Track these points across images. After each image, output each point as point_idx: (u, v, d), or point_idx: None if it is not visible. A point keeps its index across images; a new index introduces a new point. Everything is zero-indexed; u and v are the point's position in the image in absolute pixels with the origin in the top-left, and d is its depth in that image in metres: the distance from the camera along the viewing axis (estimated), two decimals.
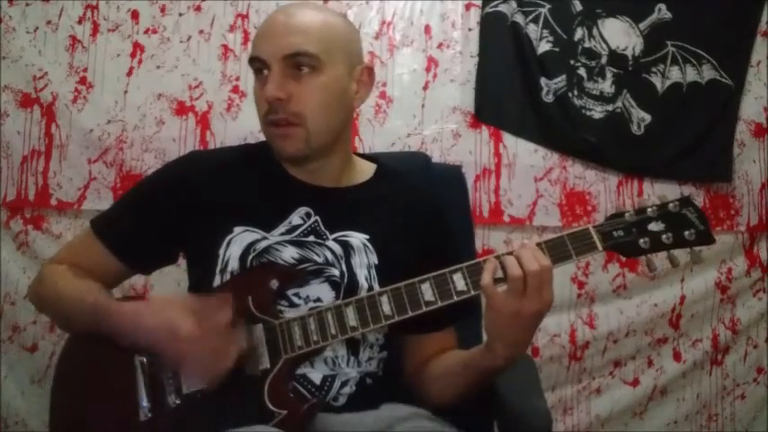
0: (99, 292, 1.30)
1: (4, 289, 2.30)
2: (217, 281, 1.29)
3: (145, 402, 1.23)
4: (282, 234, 1.30)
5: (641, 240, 1.17)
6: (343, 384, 1.27)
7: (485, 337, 1.49)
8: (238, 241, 1.29)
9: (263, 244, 1.29)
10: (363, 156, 1.49)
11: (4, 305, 2.31)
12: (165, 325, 1.18)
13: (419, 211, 1.41)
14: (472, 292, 1.17)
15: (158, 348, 1.20)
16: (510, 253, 1.15)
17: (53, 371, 1.39)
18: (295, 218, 1.31)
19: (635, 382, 2.49)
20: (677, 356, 2.50)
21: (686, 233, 1.16)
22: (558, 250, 1.16)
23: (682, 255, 1.19)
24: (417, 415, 1.25)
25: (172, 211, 1.35)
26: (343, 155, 1.39)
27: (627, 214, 1.18)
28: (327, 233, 1.31)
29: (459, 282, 1.17)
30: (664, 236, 1.16)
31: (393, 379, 1.37)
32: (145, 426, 1.22)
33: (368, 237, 1.32)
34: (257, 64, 1.30)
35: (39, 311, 1.48)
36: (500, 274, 1.15)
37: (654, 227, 1.17)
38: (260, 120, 1.32)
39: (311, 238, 1.31)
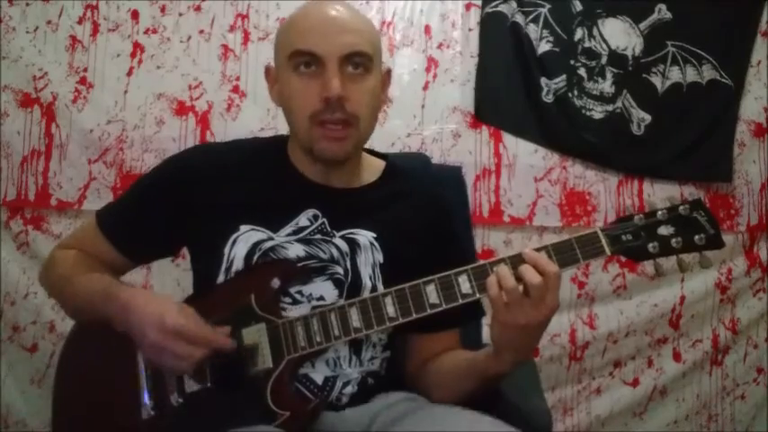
0: (110, 278, 1.32)
1: (4, 289, 2.30)
2: (221, 279, 1.28)
3: (147, 401, 1.23)
4: (289, 235, 1.29)
5: (650, 245, 1.14)
6: (345, 384, 1.27)
7: (485, 338, 1.49)
8: (244, 240, 1.28)
9: (269, 244, 1.28)
10: (372, 152, 1.47)
11: (4, 305, 2.31)
12: (158, 311, 1.17)
13: (427, 211, 1.40)
14: (477, 295, 1.16)
15: (138, 329, 1.18)
16: (503, 260, 1.14)
17: (53, 371, 1.39)
18: (302, 219, 1.30)
19: (635, 382, 2.49)
20: (677, 356, 2.50)
21: (696, 237, 1.14)
22: (564, 254, 1.14)
23: (689, 258, 1.17)
24: (407, 399, 1.26)
25: (176, 206, 1.33)
26: (359, 157, 1.38)
27: (636, 218, 1.15)
28: (335, 232, 1.30)
29: (464, 284, 1.16)
30: (673, 240, 1.14)
31: (395, 377, 1.37)
32: (147, 424, 1.22)
33: (375, 235, 1.31)
34: (306, 58, 1.24)
35: (49, 295, 1.48)
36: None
37: (663, 231, 1.15)
38: (301, 117, 1.25)
39: (318, 236, 1.30)
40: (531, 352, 1.22)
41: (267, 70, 1.36)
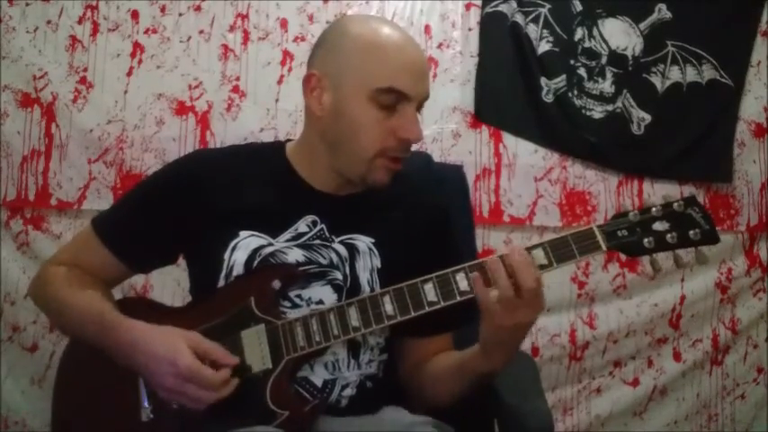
0: (103, 302, 1.28)
1: (4, 289, 2.30)
2: (221, 285, 1.28)
3: (146, 403, 1.23)
4: (288, 240, 1.29)
5: (645, 240, 1.16)
6: (344, 387, 1.27)
7: None
8: (244, 246, 1.28)
9: (269, 250, 1.28)
10: None
11: (4, 305, 2.31)
12: (169, 352, 1.16)
13: (424, 213, 1.40)
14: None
15: (150, 370, 1.18)
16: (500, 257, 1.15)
17: (53, 371, 1.39)
18: (301, 225, 1.30)
19: (635, 382, 2.49)
20: (677, 356, 2.50)
21: (691, 233, 1.15)
22: (561, 250, 1.16)
23: (686, 255, 1.19)
24: (420, 422, 1.24)
25: (175, 212, 1.33)
26: None
27: (631, 214, 1.17)
28: (333, 237, 1.31)
29: (461, 282, 1.17)
30: (668, 235, 1.16)
31: (393, 381, 1.37)
32: (147, 426, 1.22)
33: (373, 240, 1.31)
34: (395, 96, 1.24)
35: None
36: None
37: (658, 226, 1.16)
38: (367, 148, 1.26)
39: (317, 242, 1.30)
40: (518, 348, 1.24)
41: (310, 77, 1.29)
